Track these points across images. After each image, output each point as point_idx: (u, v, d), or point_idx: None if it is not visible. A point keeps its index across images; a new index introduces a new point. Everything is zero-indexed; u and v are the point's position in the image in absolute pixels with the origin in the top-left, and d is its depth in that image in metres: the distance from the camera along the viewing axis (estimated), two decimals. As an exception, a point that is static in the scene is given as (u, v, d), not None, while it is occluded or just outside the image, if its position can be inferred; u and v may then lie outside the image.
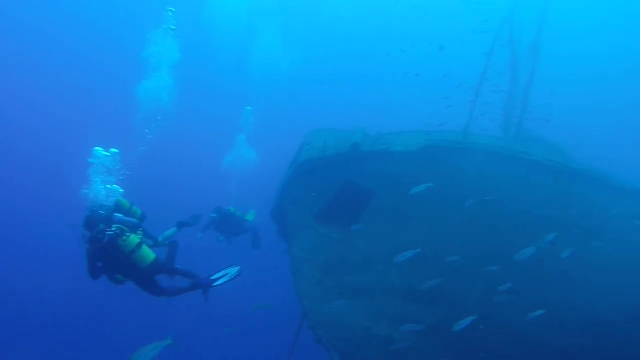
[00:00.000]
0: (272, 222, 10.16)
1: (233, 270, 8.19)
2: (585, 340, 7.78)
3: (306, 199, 8.99)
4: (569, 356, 7.80)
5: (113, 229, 7.22)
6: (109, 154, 8.44)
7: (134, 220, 8.16)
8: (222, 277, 8.14)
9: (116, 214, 7.85)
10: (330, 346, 8.48)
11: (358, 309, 8.43)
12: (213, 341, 24.19)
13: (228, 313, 22.61)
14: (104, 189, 8.13)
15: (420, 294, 7.95)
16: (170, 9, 13.24)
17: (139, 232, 7.90)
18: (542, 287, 7.76)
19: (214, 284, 8.09)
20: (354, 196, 8.52)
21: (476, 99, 7.79)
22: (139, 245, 7.42)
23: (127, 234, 7.32)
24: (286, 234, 9.51)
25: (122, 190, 8.44)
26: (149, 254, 7.52)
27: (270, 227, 10.53)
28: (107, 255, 7.17)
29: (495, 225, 8.02)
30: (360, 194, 8.47)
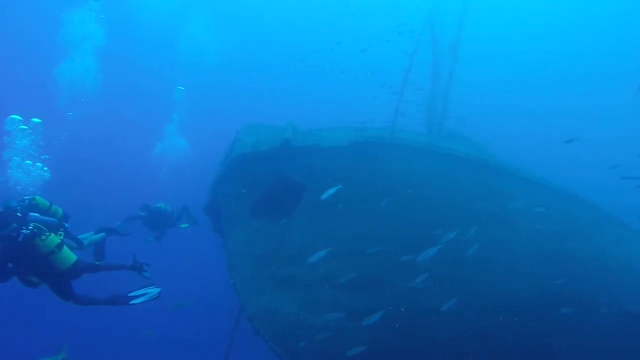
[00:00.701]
0: (206, 217, 10.18)
1: (153, 291, 7.99)
2: (503, 322, 8.49)
3: (240, 194, 9.10)
4: (490, 337, 8.47)
5: (30, 227, 6.76)
6: (26, 128, 7.76)
7: (54, 219, 7.70)
8: (141, 295, 7.94)
9: (31, 213, 7.32)
10: (268, 337, 8.72)
11: (294, 300, 8.70)
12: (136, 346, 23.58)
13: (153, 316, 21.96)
14: (28, 167, 7.52)
15: (353, 283, 8.34)
16: None
17: (60, 232, 7.49)
18: (462, 272, 8.36)
19: (131, 302, 7.80)
20: (286, 190, 8.74)
21: (400, 97, 8.22)
22: (59, 246, 6.99)
23: (46, 234, 6.89)
24: (221, 228, 9.59)
25: (46, 169, 7.88)
26: (69, 256, 7.12)
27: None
28: (21, 256, 6.73)
29: (420, 217, 8.53)
30: (292, 187, 8.71)
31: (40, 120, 7.81)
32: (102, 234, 9.05)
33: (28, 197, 7.76)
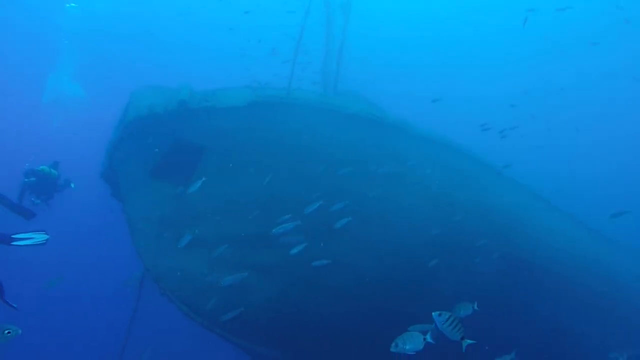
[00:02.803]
0: (103, 182, 9.94)
1: (40, 237, 7.61)
2: (397, 271, 9.20)
3: (137, 157, 8.98)
4: (385, 285, 9.14)
5: None
6: None
7: None
8: (26, 239, 7.53)
9: None
10: (175, 297, 8.89)
11: (199, 260, 8.89)
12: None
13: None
14: None
15: (255, 241, 8.67)
16: None
17: None
18: (359, 226, 8.90)
19: (13, 243, 7.30)
20: (185, 152, 8.76)
21: (296, 57, 8.41)
22: None
23: None
24: (119, 193, 9.44)
25: None
26: None
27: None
28: None
29: (318, 174, 8.93)
30: (191, 149, 8.74)
31: None
32: None
33: None
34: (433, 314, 4.51)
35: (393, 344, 5.26)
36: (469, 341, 4.50)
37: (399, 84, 30.34)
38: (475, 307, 6.50)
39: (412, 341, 5.22)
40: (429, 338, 5.14)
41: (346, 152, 9.13)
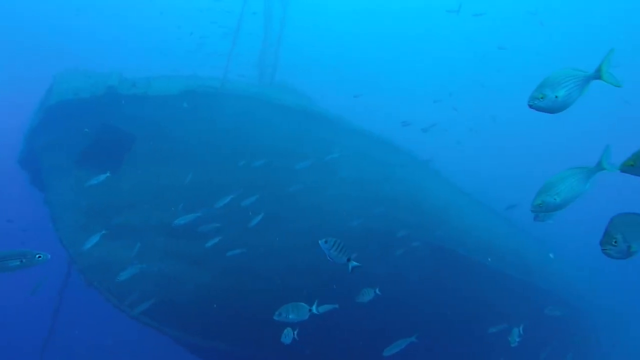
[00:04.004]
0: (22, 170, 9.41)
1: None
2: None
3: (62, 143, 8.59)
4: (314, 271, 9.39)
5: None
6: None
7: None
8: None
9: None
10: (103, 288, 8.66)
11: (128, 249, 8.71)
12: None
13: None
14: None
15: (185, 230, 8.60)
16: None
17: None
18: (286, 213, 9.10)
19: None
20: (114, 140, 8.51)
21: (232, 48, 8.39)
22: None
23: None
24: (41, 181, 8.99)
25: None
26: None
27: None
28: None
29: (251, 163, 8.99)
30: (120, 137, 8.50)
31: None
32: None
33: None
34: (319, 241, 4.48)
35: (277, 313, 5.25)
36: (355, 263, 4.55)
37: (328, 77, 30.72)
38: (377, 292, 6.70)
39: (296, 311, 5.26)
40: (314, 309, 5.25)
41: (278, 143, 9.25)
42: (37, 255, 4.26)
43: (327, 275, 9.31)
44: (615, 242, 3.35)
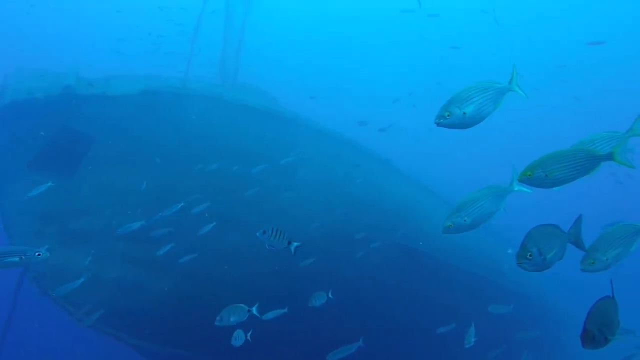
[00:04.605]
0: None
1: None
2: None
3: (14, 146, 8.22)
4: (280, 274, 9.31)
5: None
6: None
7: None
8: None
9: None
10: (58, 297, 8.35)
11: (85, 256, 8.44)
12: None
13: None
14: None
15: (148, 235, 8.40)
16: None
17: None
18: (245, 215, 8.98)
19: None
20: (71, 142, 8.21)
21: (192, 47, 8.26)
22: None
23: None
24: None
25: None
26: None
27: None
28: None
29: (211, 165, 8.85)
30: (78, 139, 8.21)
31: None
32: None
33: None
34: (257, 233, 4.44)
35: (218, 318, 5.15)
36: (296, 243, 4.53)
37: (288, 79, 30.71)
38: (330, 296, 6.66)
39: (236, 313, 5.17)
40: (254, 310, 5.14)
41: (240, 144, 9.13)
42: (37, 253, 4.28)
43: (288, 277, 9.29)
44: (531, 255, 3.36)
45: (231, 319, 5.24)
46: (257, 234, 4.48)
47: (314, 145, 9.78)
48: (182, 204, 7.92)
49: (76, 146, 8.29)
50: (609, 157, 3.21)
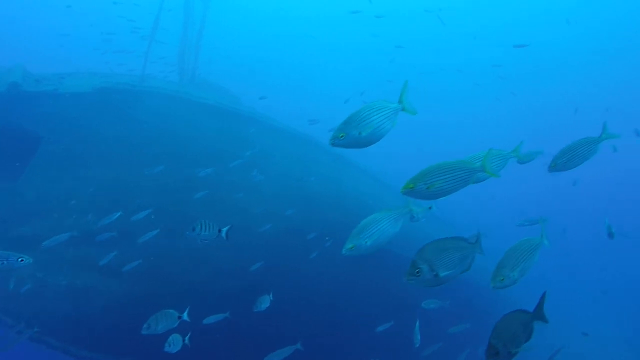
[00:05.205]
0: None
1: None
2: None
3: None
4: (239, 274, 9.09)
5: None
6: None
7: None
8: None
9: None
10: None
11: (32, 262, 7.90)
12: None
13: None
14: None
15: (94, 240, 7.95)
16: None
17: None
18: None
19: None
20: (17, 141, 7.68)
21: (150, 44, 7.93)
22: None
23: None
24: None
25: None
26: None
27: None
28: None
29: (171, 163, 8.52)
30: (24, 138, 7.69)
31: None
32: None
33: None
34: (186, 233, 4.47)
35: (145, 326, 4.96)
36: (225, 228, 4.59)
37: (244, 78, 30.41)
38: (271, 298, 6.52)
39: (165, 320, 4.99)
40: (185, 316, 5.00)
41: (194, 142, 8.84)
42: (19, 259, 4.20)
43: (246, 278, 9.10)
44: (418, 272, 3.30)
45: (159, 327, 4.96)
46: (187, 233, 4.48)
47: (269, 142, 9.57)
48: (120, 213, 7.49)
49: (22, 146, 7.76)
50: (481, 169, 3.41)
